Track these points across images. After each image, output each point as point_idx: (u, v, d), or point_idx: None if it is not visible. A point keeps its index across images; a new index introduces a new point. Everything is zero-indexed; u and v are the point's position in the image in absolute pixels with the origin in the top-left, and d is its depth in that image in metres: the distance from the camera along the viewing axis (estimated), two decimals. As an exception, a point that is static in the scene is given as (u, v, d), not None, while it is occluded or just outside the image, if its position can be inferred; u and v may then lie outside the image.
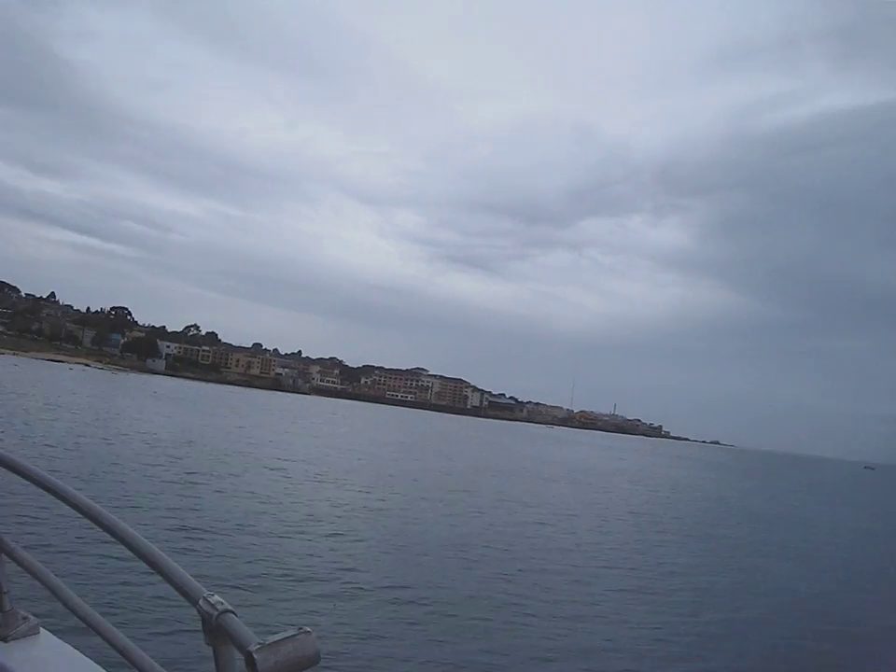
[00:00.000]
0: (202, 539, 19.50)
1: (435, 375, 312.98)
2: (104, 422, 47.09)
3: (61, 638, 2.46)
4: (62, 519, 16.47)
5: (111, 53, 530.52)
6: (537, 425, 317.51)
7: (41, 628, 2.46)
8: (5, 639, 2.36)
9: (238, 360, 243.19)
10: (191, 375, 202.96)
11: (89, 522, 1.77)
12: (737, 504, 58.17)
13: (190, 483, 28.52)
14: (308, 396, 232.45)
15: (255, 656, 1.25)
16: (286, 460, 40.70)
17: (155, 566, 1.58)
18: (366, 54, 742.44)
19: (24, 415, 42.29)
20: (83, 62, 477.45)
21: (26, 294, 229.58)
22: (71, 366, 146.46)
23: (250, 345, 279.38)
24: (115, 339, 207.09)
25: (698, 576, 25.50)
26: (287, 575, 17.17)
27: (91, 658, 2.34)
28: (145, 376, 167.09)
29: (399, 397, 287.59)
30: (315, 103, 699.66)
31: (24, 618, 2.44)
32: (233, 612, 1.40)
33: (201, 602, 1.42)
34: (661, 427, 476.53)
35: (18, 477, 2.03)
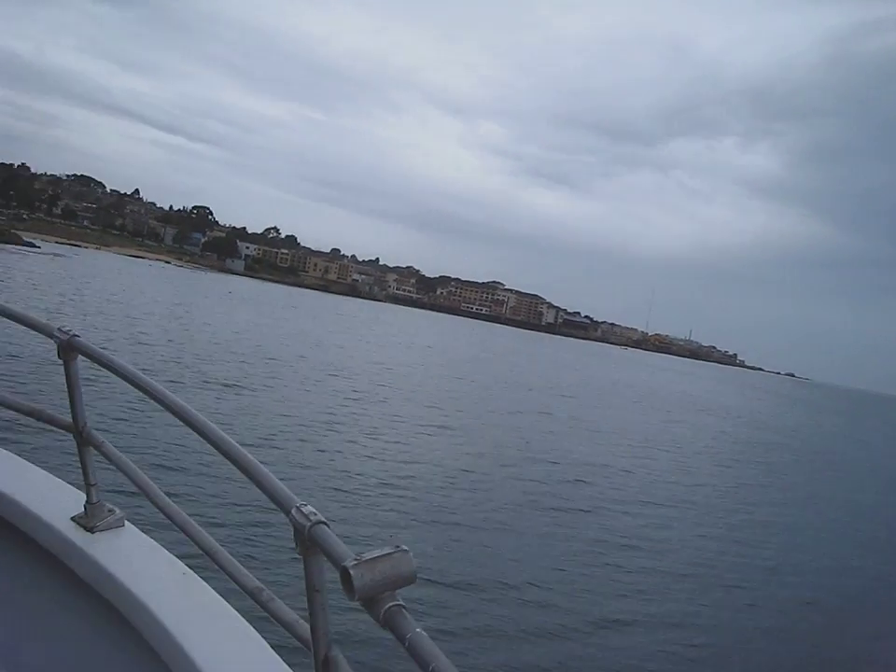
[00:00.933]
0: (280, 447, 18.90)
1: (511, 290, 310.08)
2: (172, 319, 46.97)
3: (146, 533, 2.52)
4: (153, 419, 16.38)
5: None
6: (610, 345, 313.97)
7: (126, 521, 2.52)
8: (91, 530, 2.42)
9: (316, 264, 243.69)
10: (269, 277, 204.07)
11: (181, 423, 1.79)
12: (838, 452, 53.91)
13: (268, 387, 27.91)
14: (383, 303, 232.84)
15: (351, 572, 1.23)
16: (359, 374, 39.08)
17: (248, 472, 1.58)
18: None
19: (95, 306, 42.38)
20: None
21: (111, 190, 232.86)
22: (150, 262, 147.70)
23: (329, 250, 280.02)
24: (196, 237, 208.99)
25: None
26: (375, 490, 16.70)
27: (174, 554, 2.41)
28: (223, 275, 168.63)
29: (475, 309, 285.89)
30: (404, 7, 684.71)
31: (110, 510, 2.51)
32: (327, 524, 1.40)
33: (293, 512, 1.42)
34: (736, 355, 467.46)
35: (114, 375, 2.07)
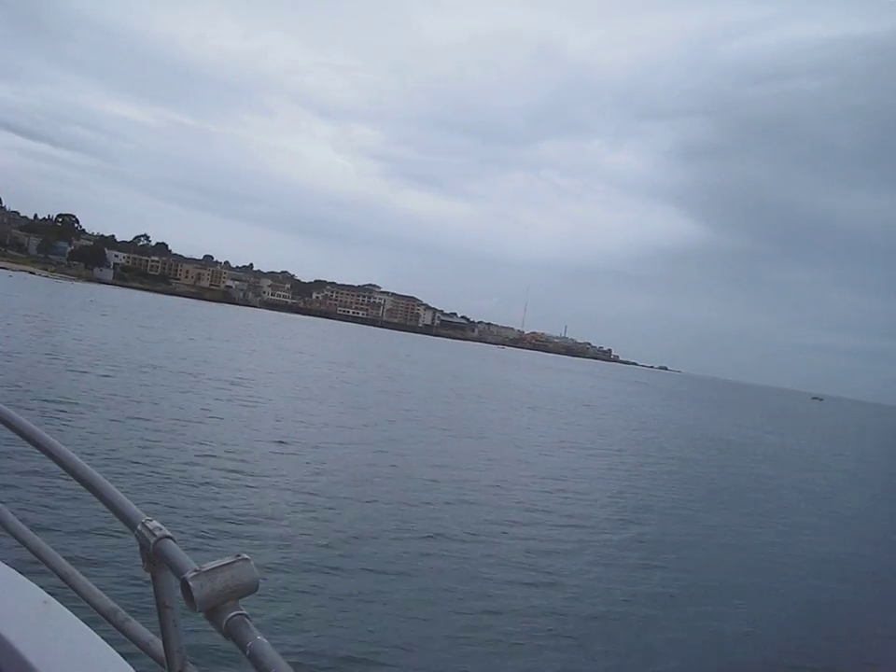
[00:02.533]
0: (131, 461, 18.62)
1: (387, 292, 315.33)
2: (24, 330, 46.48)
3: (2, 561, 2.43)
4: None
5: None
6: (488, 344, 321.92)
7: None
8: None
9: (188, 272, 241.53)
10: (139, 286, 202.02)
11: (22, 440, 1.74)
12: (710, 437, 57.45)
13: (119, 398, 27.38)
14: (258, 309, 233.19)
15: (190, 583, 1.21)
16: (226, 379, 39.19)
17: (93, 489, 1.54)
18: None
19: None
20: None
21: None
22: (11, 273, 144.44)
23: (201, 257, 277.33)
24: (62, 247, 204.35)
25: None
26: (227, 501, 16.63)
27: (34, 582, 2.33)
28: (91, 285, 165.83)
29: (351, 313, 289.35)
30: (273, 10, 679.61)
31: None
32: (172, 538, 1.37)
33: (139, 527, 1.39)
34: (610, 350, 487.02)
35: None
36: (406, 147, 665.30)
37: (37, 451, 1.69)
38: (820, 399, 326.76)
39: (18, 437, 1.76)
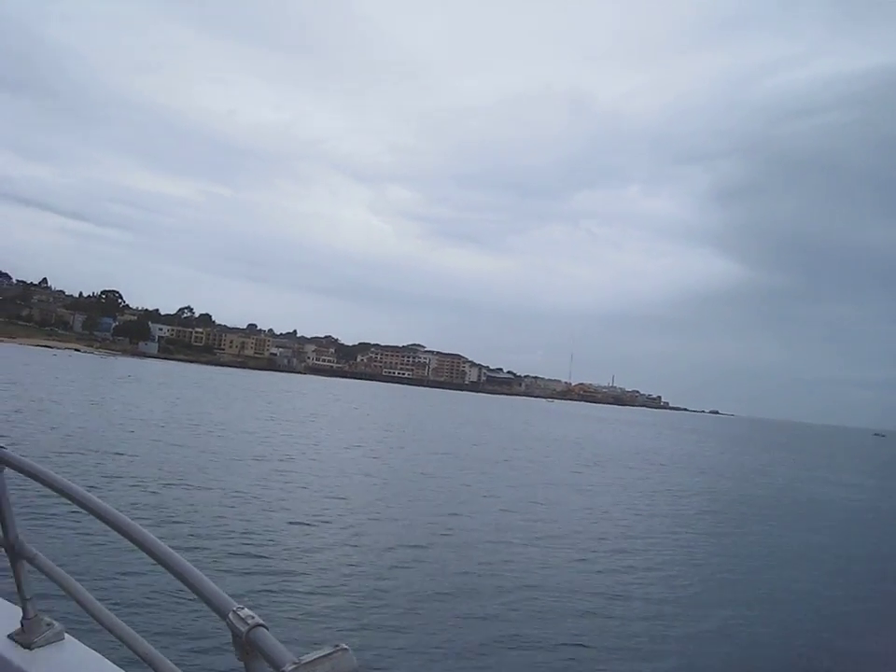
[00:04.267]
0: (204, 540, 18.28)
1: (432, 351, 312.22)
2: (60, 405, 45.16)
3: (87, 645, 2.43)
4: (85, 527, 15.83)
5: (98, 36, 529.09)
6: (535, 398, 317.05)
7: (66, 634, 2.42)
8: (29, 647, 2.33)
9: (232, 341, 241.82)
10: (184, 357, 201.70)
11: (111, 531, 1.72)
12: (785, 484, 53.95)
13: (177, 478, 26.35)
14: (303, 375, 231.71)
15: None
16: (284, 453, 37.07)
17: (182, 577, 1.53)
18: (354, 29, 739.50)
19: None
20: (70, 45, 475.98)
21: (17, 281, 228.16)
22: (55, 351, 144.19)
23: (245, 326, 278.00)
24: (106, 323, 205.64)
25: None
26: (312, 582, 16.09)
27: (116, 664, 2.29)
28: (135, 360, 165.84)
29: (397, 374, 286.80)
30: (305, 80, 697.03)
31: (49, 624, 2.41)
32: (265, 627, 1.36)
33: (230, 616, 1.38)
34: (660, 397, 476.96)
35: (37, 483, 2.00)
36: (443, 206, 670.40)
37: (125, 538, 1.71)
38: (882, 436, 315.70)
39: (104, 524, 1.79)
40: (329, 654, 1.27)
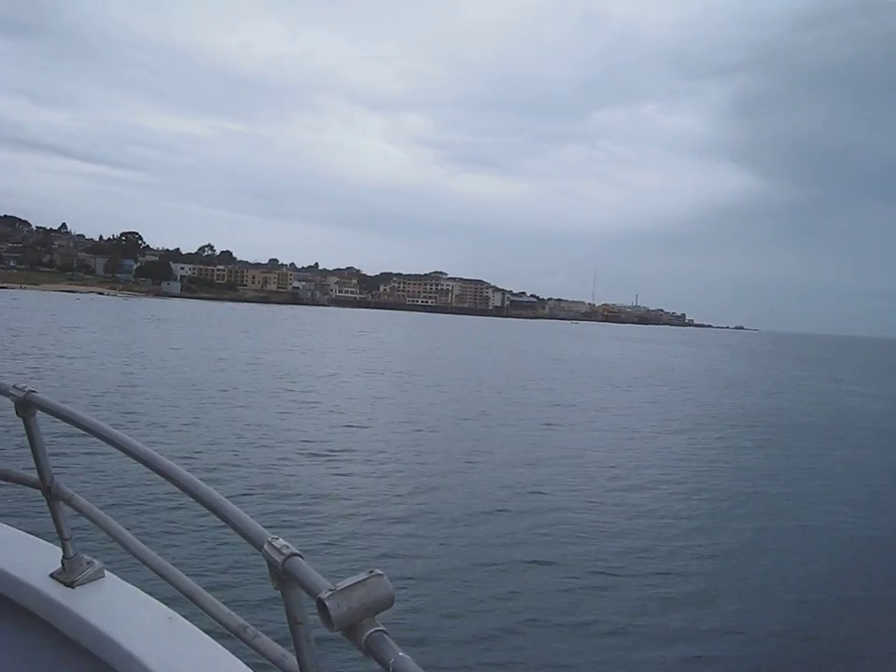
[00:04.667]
0: (237, 473, 18.18)
1: (454, 278, 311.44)
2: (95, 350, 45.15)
3: (127, 581, 2.49)
4: (118, 466, 15.92)
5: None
6: (560, 321, 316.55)
7: (106, 572, 2.49)
8: (71, 585, 2.39)
9: (254, 277, 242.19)
10: (207, 295, 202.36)
11: (144, 467, 1.77)
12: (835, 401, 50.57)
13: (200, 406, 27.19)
14: (327, 307, 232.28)
15: (326, 603, 1.22)
16: (307, 384, 36.67)
17: (217, 511, 1.56)
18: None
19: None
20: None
21: (37, 227, 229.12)
22: (78, 296, 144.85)
23: (266, 262, 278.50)
24: (128, 265, 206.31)
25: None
26: (343, 510, 15.96)
27: (158, 599, 2.38)
28: (158, 300, 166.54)
29: (420, 302, 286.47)
30: (314, 10, 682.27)
31: (89, 563, 2.48)
32: (300, 556, 1.38)
33: (266, 547, 1.40)
34: (684, 315, 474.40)
35: (69, 425, 2.04)
36: (459, 131, 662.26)
37: (157, 474, 1.74)
38: None
39: (136, 461, 1.81)
40: (365, 580, 1.29)
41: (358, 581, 1.28)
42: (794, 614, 12.35)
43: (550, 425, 29.94)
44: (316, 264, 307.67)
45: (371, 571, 1.31)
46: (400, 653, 1.18)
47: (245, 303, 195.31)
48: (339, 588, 1.25)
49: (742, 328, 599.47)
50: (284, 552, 1.38)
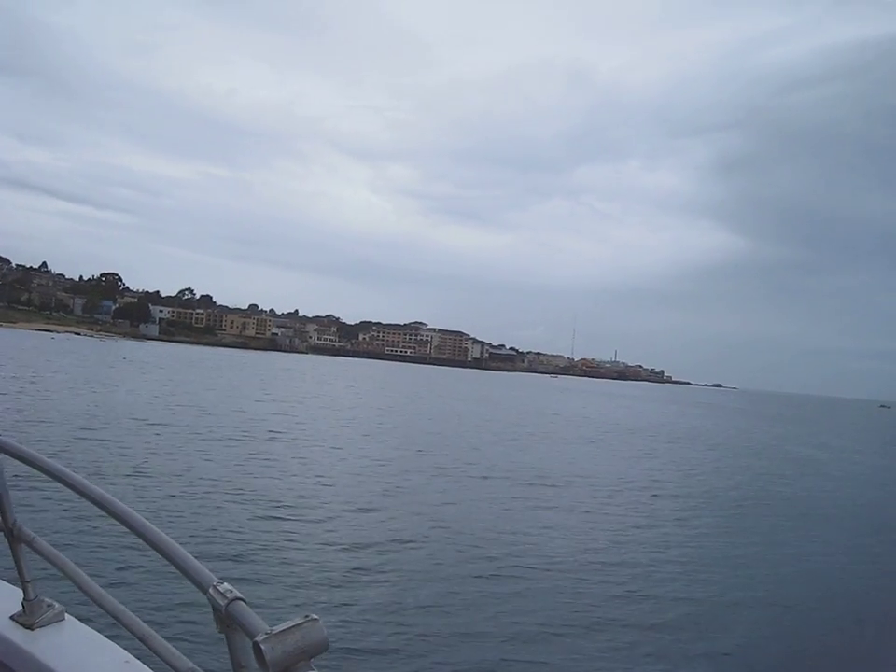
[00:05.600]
0: (188, 516, 18.40)
1: (434, 329, 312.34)
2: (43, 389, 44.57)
3: (86, 624, 2.50)
4: (76, 508, 16.07)
5: (93, 17, 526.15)
6: (539, 374, 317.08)
7: (66, 615, 2.49)
8: (31, 627, 2.39)
9: (233, 322, 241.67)
10: (185, 339, 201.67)
11: (103, 512, 1.80)
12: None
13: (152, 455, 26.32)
14: (305, 354, 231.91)
15: (262, 646, 1.25)
16: (273, 431, 36.32)
17: (165, 554, 1.59)
18: (353, 5, 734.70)
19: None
20: (64, 26, 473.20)
21: (17, 265, 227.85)
22: (54, 335, 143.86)
23: (246, 307, 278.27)
24: (106, 306, 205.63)
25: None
26: (292, 557, 16.13)
27: (114, 642, 2.38)
28: (135, 342, 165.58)
29: (399, 352, 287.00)
30: (303, 58, 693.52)
31: (49, 605, 2.47)
32: (243, 600, 1.40)
33: (211, 591, 1.43)
34: (662, 371, 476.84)
35: (29, 467, 2.08)
36: (444, 182, 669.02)
37: (110, 517, 1.78)
38: (888, 407, 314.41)
39: (94, 505, 1.85)
40: (300, 624, 1.31)
41: (294, 626, 1.31)
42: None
43: (533, 480, 29.44)
44: (296, 311, 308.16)
45: (307, 616, 1.34)
46: None
47: (224, 348, 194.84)
48: (274, 632, 1.28)
49: (720, 385, 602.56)
50: (227, 595, 1.40)
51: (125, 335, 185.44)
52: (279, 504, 20.90)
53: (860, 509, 31.79)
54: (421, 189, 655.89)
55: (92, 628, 2.47)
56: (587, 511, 24.36)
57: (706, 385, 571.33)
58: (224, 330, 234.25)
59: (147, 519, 1.70)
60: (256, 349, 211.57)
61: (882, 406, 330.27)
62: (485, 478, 29.27)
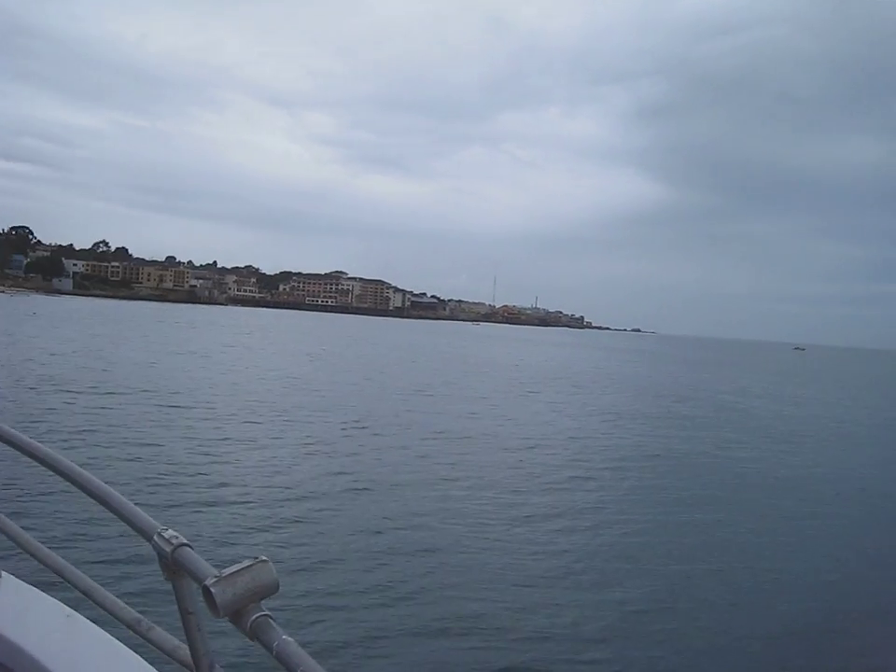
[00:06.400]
0: (130, 468, 18.34)
1: (355, 278, 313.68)
2: None
3: (24, 581, 2.44)
4: (10, 464, 15.39)
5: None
6: (461, 322, 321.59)
7: (3, 572, 2.41)
8: None
9: (150, 275, 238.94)
10: (101, 293, 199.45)
11: (35, 463, 1.76)
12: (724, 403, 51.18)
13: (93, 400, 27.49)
14: (225, 306, 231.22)
15: (212, 590, 1.24)
16: (193, 385, 35.96)
17: (107, 503, 1.56)
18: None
19: None
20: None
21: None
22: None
23: (163, 259, 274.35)
24: (17, 260, 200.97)
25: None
26: (239, 503, 16.38)
27: (55, 598, 2.35)
28: (48, 297, 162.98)
29: (320, 302, 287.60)
30: (218, 4, 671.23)
31: None
32: (189, 545, 1.39)
33: (155, 538, 1.40)
34: (583, 317, 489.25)
35: None
36: (363, 130, 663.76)
37: (48, 470, 1.70)
38: (802, 349, 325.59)
39: (28, 458, 1.78)
40: (250, 566, 1.30)
41: (243, 568, 1.30)
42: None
43: (456, 433, 28.75)
44: (215, 262, 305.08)
45: (256, 558, 1.33)
46: (284, 636, 1.21)
47: (141, 301, 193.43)
48: (224, 575, 1.27)
49: (639, 330, 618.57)
50: (173, 542, 1.38)
51: (37, 290, 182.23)
52: (215, 448, 21.62)
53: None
54: (341, 136, 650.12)
55: (31, 584, 2.40)
56: (508, 468, 23.27)
57: (625, 329, 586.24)
58: (141, 283, 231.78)
59: (84, 469, 1.66)
60: (174, 301, 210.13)
61: (797, 348, 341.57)
62: (387, 433, 27.92)
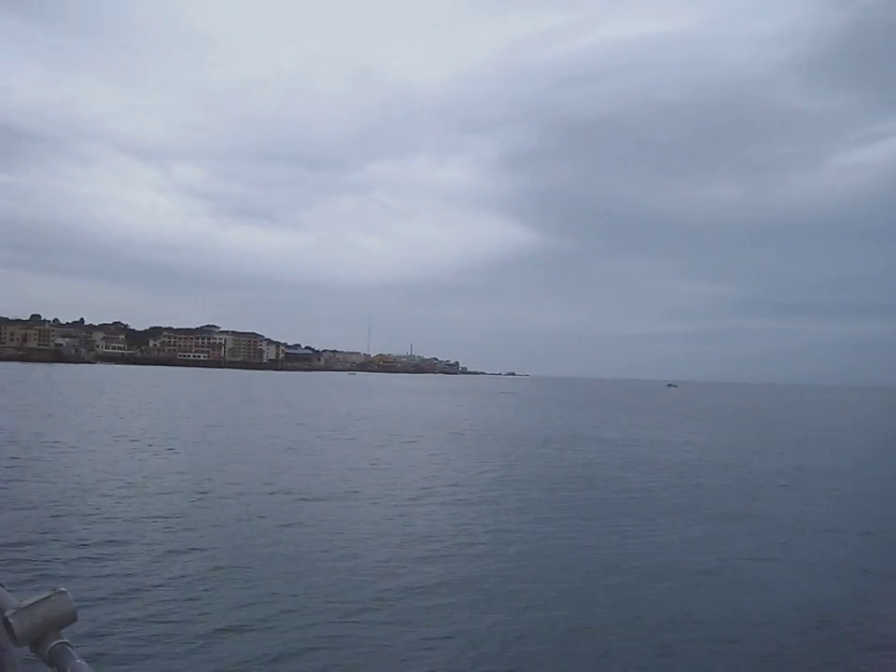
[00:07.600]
0: None
1: (227, 332, 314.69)
2: None
3: None
4: None
5: None
6: (336, 372, 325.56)
7: None
8: None
9: (13, 334, 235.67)
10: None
11: None
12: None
13: None
14: (92, 364, 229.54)
15: (10, 620, 1.27)
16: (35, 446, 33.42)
17: None
18: (136, 4, 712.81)
19: None
20: None
21: None
22: None
23: (28, 318, 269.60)
24: None
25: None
26: (49, 534, 16.77)
27: None
28: None
29: (192, 357, 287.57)
30: (83, 57, 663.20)
31: None
32: None
33: None
34: (458, 363, 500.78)
35: None
36: (231, 182, 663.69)
37: None
38: (675, 386, 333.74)
39: None
40: (48, 597, 1.33)
41: (42, 599, 1.33)
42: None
43: (325, 487, 26.20)
44: (82, 319, 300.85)
45: (55, 589, 1.36)
46: (79, 661, 1.25)
47: (3, 362, 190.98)
48: (23, 606, 1.31)
49: (514, 374, 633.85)
50: None
51: None
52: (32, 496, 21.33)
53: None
54: (210, 189, 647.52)
55: None
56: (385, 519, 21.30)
57: (500, 373, 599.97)
58: (3, 343, 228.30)
59: None
60: (39, 361, 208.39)
61: (669, 385, 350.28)
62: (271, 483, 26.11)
